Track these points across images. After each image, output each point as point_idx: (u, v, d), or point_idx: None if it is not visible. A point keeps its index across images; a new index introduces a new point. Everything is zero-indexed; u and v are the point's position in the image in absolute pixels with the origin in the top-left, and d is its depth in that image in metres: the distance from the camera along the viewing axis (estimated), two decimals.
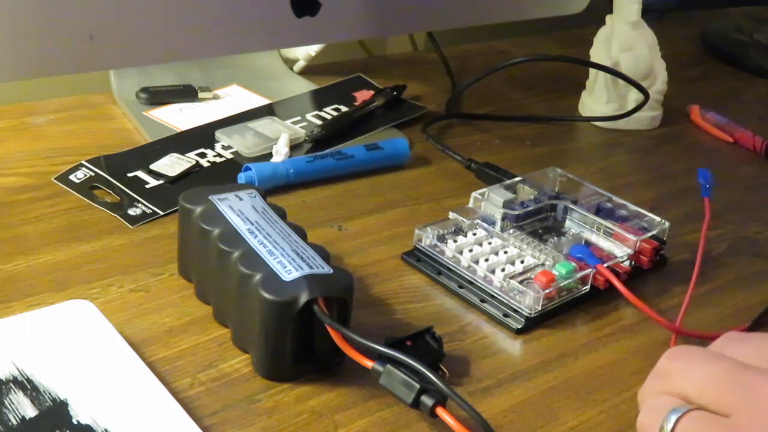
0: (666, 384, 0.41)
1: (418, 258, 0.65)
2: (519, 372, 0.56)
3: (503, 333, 0.59)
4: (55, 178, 0.71)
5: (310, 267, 0.52)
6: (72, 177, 0.71)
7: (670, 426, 0.39)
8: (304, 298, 0.50)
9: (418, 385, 0.48)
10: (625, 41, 0.92)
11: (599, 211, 0.69)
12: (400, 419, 0.51)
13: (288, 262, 0.52)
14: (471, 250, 0.63)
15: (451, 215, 0.66)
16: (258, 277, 0.51)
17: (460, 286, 0.62)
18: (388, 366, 0.49)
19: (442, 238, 0.65)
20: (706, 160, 0.89)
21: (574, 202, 0.69)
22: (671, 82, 0.94)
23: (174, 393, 0.49)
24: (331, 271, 0.53)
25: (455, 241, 0.64)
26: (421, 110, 0.89)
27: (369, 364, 0.50)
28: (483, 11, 0.91)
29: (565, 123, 0.94)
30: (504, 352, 0.58)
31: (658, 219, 0.68)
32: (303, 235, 0.57)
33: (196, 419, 0.47)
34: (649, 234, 0.67)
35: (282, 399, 0.51)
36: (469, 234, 0.65)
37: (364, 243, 0.67)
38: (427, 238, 0.65)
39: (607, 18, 0.93)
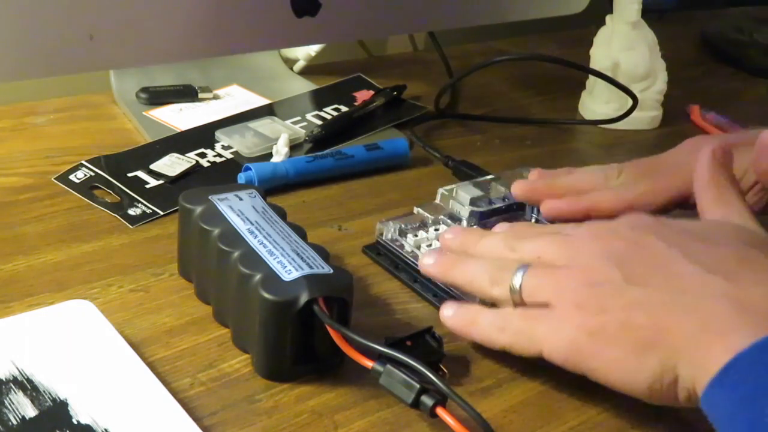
0: (512, 253, 0.55)
1: (378, 251, 0.65)
2: (519, 372, 0.56)
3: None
4: (55, 178, 0.71)
5: (310, 267, 0.52)
6: (72, 177, 0.71)
7: (519, 278, 0.52)
8: (304, 298, 0.50)
9: (418, 385, 0.48)
10: (625, 41, 0.92)
11: None
12: (400, 419, 0.51)
13: (288, 262, 0.52)
14: (430, 245, 0.63)
15: (416, 210, 0.66)
16: (258, 277, 0.51)
17: (414, 280, 0.62)
18: (388, 366, 0.49)
19: (402, 233, 0.65)
20: None
21: None
22: (671, 82, 0.94)
23: (174, 393, 0.49)
24: (331, 271, 0.53)
25: (415, 236, 0.64)
26: (421, 110, 0.89)
27: (369, 364, 0.50)
28: (483, 11, 0.91)
29: (566, 123, 0.94)
30: (504, 352, 0.58)
31: None
32: (303, 235, 0.57)
33: (196, 419, 0.47)
34: None
35: (282, 399, 0.51)
36: (431, 230, 0.65)
37: (364, 243, 0.66)
38: (388, 232, 0.65)
39: (607, 18, 0.93)
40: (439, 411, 0.48)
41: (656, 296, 0.48)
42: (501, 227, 0.59)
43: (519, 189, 0.66)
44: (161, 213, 0.68)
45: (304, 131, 0.81)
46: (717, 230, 0.53)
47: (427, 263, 0.57)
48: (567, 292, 0.50)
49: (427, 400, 0.48)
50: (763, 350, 0.43)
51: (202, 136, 0.79)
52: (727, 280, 0.47)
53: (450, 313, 0.55)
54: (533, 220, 0.68)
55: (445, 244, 0.59)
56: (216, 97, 0.87)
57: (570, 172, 0.67)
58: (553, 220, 0.64)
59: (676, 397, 0.47)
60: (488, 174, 0.73)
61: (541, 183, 0.67)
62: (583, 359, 0.49)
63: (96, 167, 0.72)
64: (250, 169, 0.72)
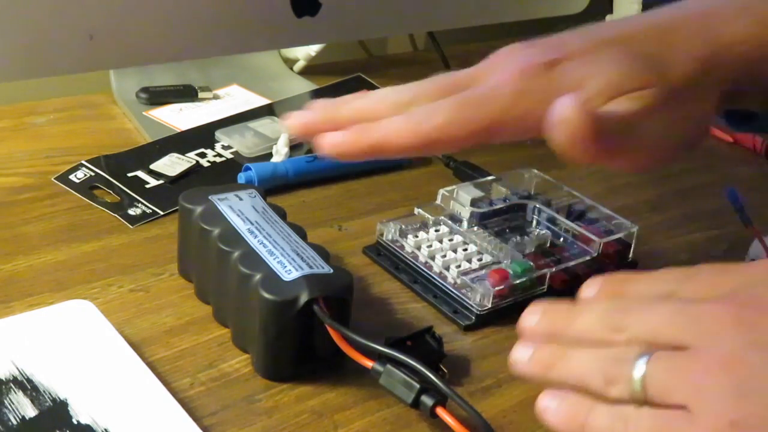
0: (619, 334, 0.40)
1: (378, 252, 0.65)
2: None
3: (504, 333, 0.59)
4: (55, 178, 0.71)
5: (310, 267, 0.52)
6: (72, 177, 0.71)
7: (641, 372, 0.38)
8: (304, 297, 0.50)
9: (418, 385, 0.48)
10: None
11: (570, 213, 0.69)
12: (400, 419, 0.51)
13: (288, 262, 0.52)
14: (430, 246, 0.63)
15: (417, 211, 0.66)
16: (258, 277, 0.51)
17: (414, 281, 0.62)
18: (388, 366, 0.49)
19: (403, 233, 0.65)
20: (705, 160, 0.89)
21: (547, 204, 0.69)
22: None
23: (174, 393, 0.49)
24: (331, 271, 0.53)
25: (416, 237, 0.64)
26: None
27: (369, 364, 0.50)
28: (483, 11, 0.91)
29: None
30: (504, 352, 0.57)
31: (627, 222, 0.67)
32: (303, 235, 0.57)
33: (196, 419, 0.47)
34: (614, 236, 0.66)
35: (282, 399, 0.51)
36: (432, 230, 0.65)
37: (364, 243, 0.66)
38: (388, 232, 0.65)
39: (607, 18, 0.93)
40: (439, 411, 0.48)
41: None
42: (592, 288, 0.44)
43: (294, 125, 0.51)
44: (161, 213, 0.68)
45: None
46: None
47: (521, 360, 0.43)
48: (710, 396, 0.37)
49: (427, 400, 0.48)
50: None
51: (202, 136, 0.79)
52: None
53: (553, 406, 0.41)
54: (534, 222, 0.68)
55: (530, 331, 0.43)
56: (216, 97, 0.87)
57: (362, 97, 0.53)
58: (340, 160, 0.50)
59: None
60: (489, 175, 0.73)
61: (321, 113, 0.52)
62: None
63: (96, 167, 0.72)
64: (250, 169, 0.72)
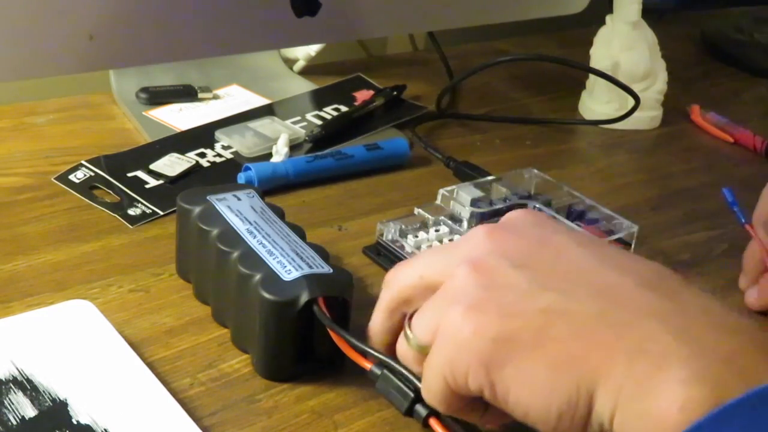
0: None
1: (378, 252, 0.65)
2: None
3: None
4: (55, 178, 0.71)
5: (310, 267, 0.52)
6: (72, 177, 0.71)
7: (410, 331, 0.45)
8: (304, 298, 0.50)
9: (412, 394, 0.47)
10: (625, 41, 0.92)
11: (570, 213, 0.69)
12: (400, 419, 0.50)
13: (288, 262, 0.52)
14: (430, 246, 0.63)
15: (417, 211, 0.66)
16: (258, 277, 0.51)
17: None
18: (385, 371, 0.49)
19: (403, 233, 0.65)
20: (706, 160, 0.89)
21: (548, 204, 0.69)
22: (671, 82, 0.94)
23: (174, 393, 0.49)
24: (331, 270, 0.53)
25: (416, 237, 0.64)
26: (421, 110, 0.89)
27: (368, 365, 0.49)
28: (483, 11, 0.91)
29: (566, 123, 0.94)
30: None
31: (627, 222, 0.67)
32: (302, 235, 0.57)
33: (196, 419, 0.47)
34: (614, 236, 0.66)
35: (282, 399, 0.51)
36: (432, 230, 0.65)
37: (364, 243, 0.66)
38: (388, 232, 0.65)
39: (607, 18, 0.93)
40: (432, 422, 0.47)
41: (577, 306, 0.40)
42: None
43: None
44: (161, 213, 0.68)
45: (304, 131, 0.81)
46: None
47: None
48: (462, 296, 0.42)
49: (421, 410, 0.47)
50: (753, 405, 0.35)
51: (202, 136, 0.79)
52: (667, 299, 0.40)
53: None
54: None
55: None
56: (216, 97, 0.87)
57: None
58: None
59: (584, 430, 0.39)
60: (489, 175, 0.73)
61: None
62: (491, 370, 0.40)
63: (96, 167, 0.72)
64: (250, 169, 0.72)
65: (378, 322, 0.49)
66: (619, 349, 0.38)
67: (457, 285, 0.43)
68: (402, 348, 0.46)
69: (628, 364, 0.38)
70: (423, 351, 0.44)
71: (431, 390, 0.44)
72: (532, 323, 0.40)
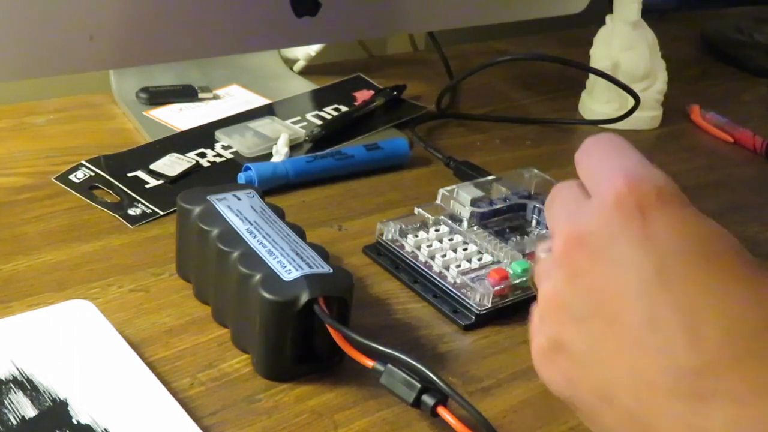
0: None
1: (378, 251, 0.65)
2: (519, 372, 0.56)
3: (504, 333, 0.59)
4: (55, 178, 0.71)
5: (310, 267, 0.52)
6: (72, 177, 0.71)
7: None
8: (304, 297, 0.50)
9: (419, 385, 0.48)
10: (625, 41, 0.92)
11: None
12: (400, 419, 0.51)
13: (288, 262, 0.52)
14: (430, 246, 0.63)
15: (417, 211, 0.66)
16: (258, 277, 0.51)
17: (414, 281, 0.62)
18: (389, 365, 0.49)
19: (403, 233, 0.65)
20: (706, 160, 0.89)
21: None
22: (671, 82, 0.94)
23: (174, 393, 0.49)
24: (331, 270, 0.53)
25: (416, 236, 0.64)
26: (421, 110, 0.89)
27: (369, 363, 0.50)
28: (483, 11, 0.91)
29: (565, 123, 0.94)
30: (504, 352, 0.58)
31: None
32: (302, 235, 0.57)
33: (196, 419, 0.47)
34: None
35: (282, 399, 0.51)
36: (432, 230, 0.65)
37: (364, 243, 0.66)
38: (389, 232, 0.65)
39: (607, 18, 0.93)
40: (440, 410, 0.48)
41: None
42: None
43: None
44: (161, 213, 0.68)
45: (304, 131, 0.81)
46: None
47: None
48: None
49: (428, 400, 0.48)
50: None
51: (202, 136, 0.79)
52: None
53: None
54: (534, 222, 0.68)
55: None
56: (216, 97, 0.87)
57: None
58: None
59: None
60: (489, 174, 0.73)
61: None
62: None
63: (96, 167, 0.72)
64: (250, 169, 0.72)
65: None
66: None
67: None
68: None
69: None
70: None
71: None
72: None
